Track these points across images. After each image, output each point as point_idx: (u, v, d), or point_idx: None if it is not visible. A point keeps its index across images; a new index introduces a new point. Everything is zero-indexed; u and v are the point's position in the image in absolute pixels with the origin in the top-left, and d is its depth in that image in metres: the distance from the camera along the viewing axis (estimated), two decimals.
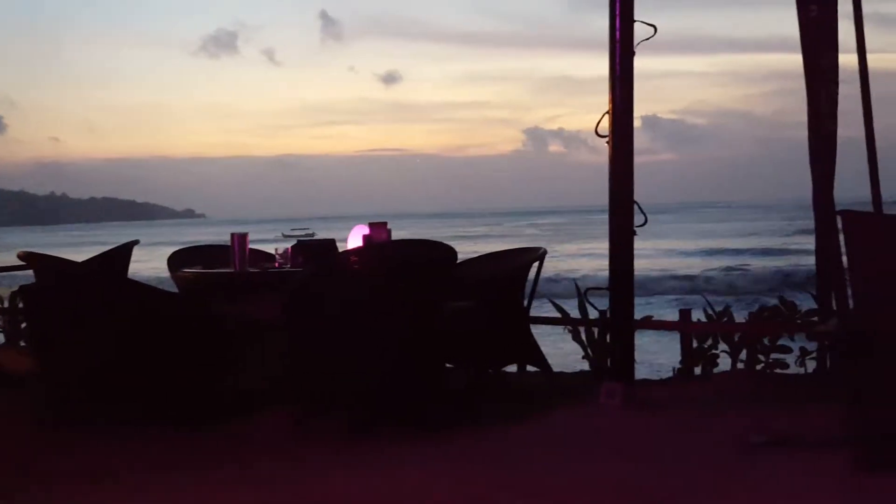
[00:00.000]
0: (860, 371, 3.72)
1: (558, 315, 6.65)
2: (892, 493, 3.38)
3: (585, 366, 6.25)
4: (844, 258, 4.08)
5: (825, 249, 5.27)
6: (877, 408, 3.66)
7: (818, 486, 3.53)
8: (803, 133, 5.43)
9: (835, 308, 5.21)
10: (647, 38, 5.32)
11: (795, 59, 5.44)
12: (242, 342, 4.79)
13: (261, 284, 5.06)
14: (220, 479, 3.85)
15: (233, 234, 5.29)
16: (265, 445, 4.36)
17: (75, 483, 3.80)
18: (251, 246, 5.46)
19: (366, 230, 5.23)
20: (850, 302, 3.79)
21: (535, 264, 5.85)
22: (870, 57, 5.37)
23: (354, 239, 5.24)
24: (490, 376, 5.86)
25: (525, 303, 5.86)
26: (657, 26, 5.28)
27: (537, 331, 6.15)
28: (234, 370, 4.76)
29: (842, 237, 4.02)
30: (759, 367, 5.74)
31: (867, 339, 3.67)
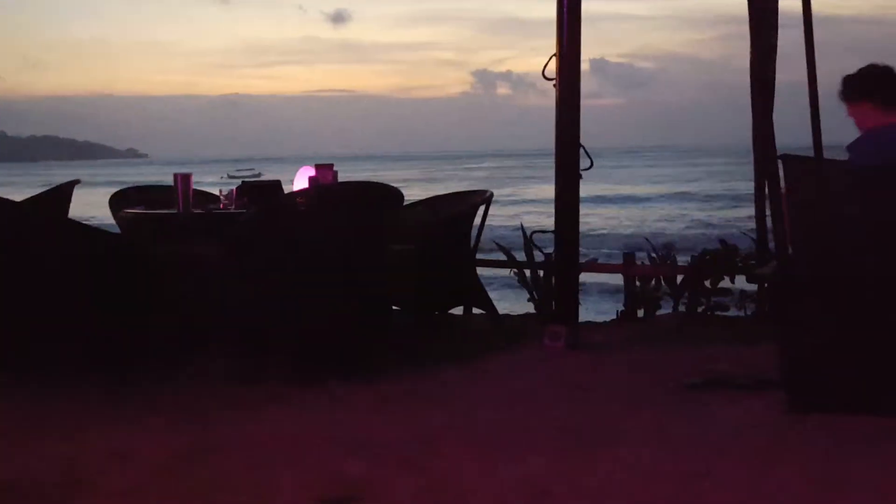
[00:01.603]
0: (794, 314, 3.80)
1: (504, 257, 6.70)
2: (823, 434, 3.48)
3: (531, 308, 6.33)
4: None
5: (765, 193, 5.35)
6: (809, 350, 3.76)
7: (751, 427, 3.62)
8: (747, 77, 5.47)
9: (774, 252, 5.31)
10: None
11: (742, 4, 5.46)
12: (184, 283, 4.75)
13: (205, 225, 5.01)
14: (155, 422, 3.84)
15: (176, 175, 5.21)
16: (203, 387, 4.35)
17: (5, 433, 3.76)
18: (195, 187, 5.39)
19: (312, 172, 5.19)
20: (789, 247, 3.86)
21: (481, 207, 5.86)
22: (814, 2, 5.41)
23: (300, 180, 5.19)
24: (435, 319, 5.90)
25: (471, 245, 5.89)
26: None
27: (484, 273, 6.20)
28: (174, 311, 4.72)
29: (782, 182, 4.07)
30: (700, 309, 5.85)
31: (802, 283, 3.75)
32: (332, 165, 5.27)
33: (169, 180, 5.31)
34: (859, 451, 3.28)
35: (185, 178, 5.22)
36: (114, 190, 6.02)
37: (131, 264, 4.69)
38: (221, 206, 5.25)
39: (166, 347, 4.72)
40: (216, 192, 5.52)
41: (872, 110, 3.87)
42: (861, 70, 3.93)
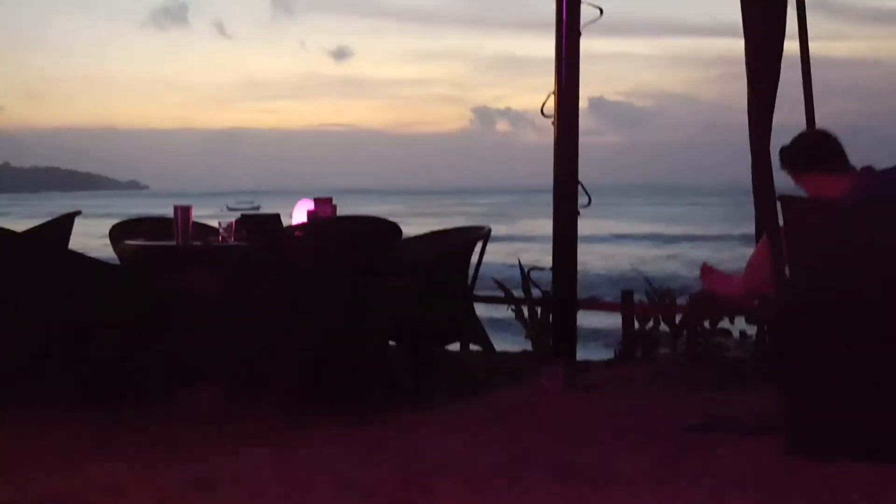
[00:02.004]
0: (795, 356, 3.78)
1: (501, 294, 6.68)
2: (824, 477, 3.45)
3: (528, 346, 6.31)
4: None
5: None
6: (810, 392, 3.74)
7: (751, 470, 3.59)
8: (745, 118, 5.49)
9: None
10: (594, 21, 5.34)
11: (739, 45, 5.50)
12: (181, 316, 4.73)
13: (203, 258, 5.00)
14: (149, 457, 3.81)
15: (176, 207, 5.21)
16: (197, 423, 4.33)
17: None
18: (195, 219, 5.39)
19: (311, 205, 5.19)
20: (789, 288, 3.85)
21: (479, 243, 5.86)
22: (813, 44, 5.45)
23: (299, 214, 5.20)
24: (432, 355, 5.88)
25: (468, 281, 5.88)
26: (603, 8, 5.30)
27: (480, 310, 6.19)
28: (171, 344, 4.70)
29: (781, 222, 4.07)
30: (699, 350, 5.82)
31: (803, 325, 3.74)
32: (330, 199, 5.27)
33: (169, 212, 5.31)
34: (861, 499, 3.24)
35: (185, 211, 5.22)
36: (114, 221, 6.02)
37: (130, 296, 4.68)
38: (220, 238, 5.25)
39: (162, 381, 4.70)
40: (216, 224, 5.52)
41: (822, 178, 3.88)
42: (796, 141, 3.95)
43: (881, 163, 4.14)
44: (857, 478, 3.42)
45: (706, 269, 4.46)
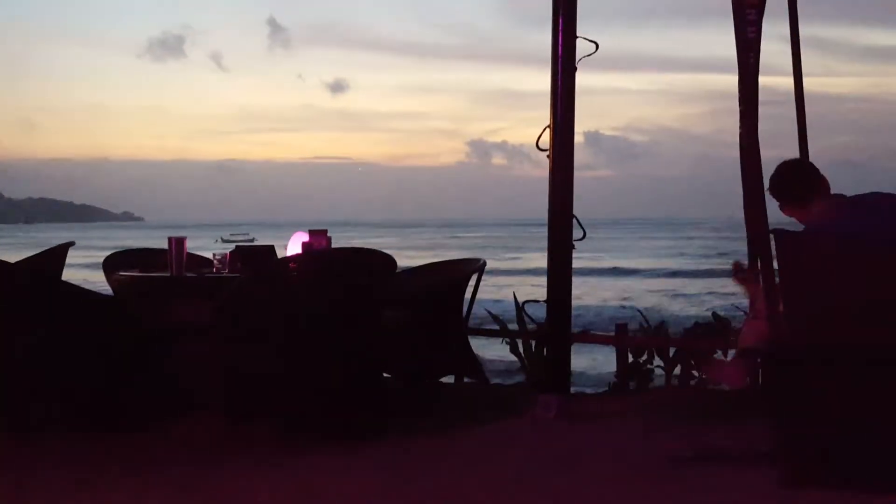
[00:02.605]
0: (787, 387, 3.79)
1: (496, 327, 6.68)
2: None
3: (522, 378, 6.30)
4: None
5: (758, 267, 5.36)
6: (802, 424, 3.74)
7: (742, 499, 3.58)
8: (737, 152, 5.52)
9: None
10: (589, 55, 5.38)
11: (731, 80, 5.55)
12: (175, 346, 4.73)
13: (198, 289, 5.00)
14: (138, 486, 3.78)
15: (170, 238, 5.23)
16: (190, 452, 4.30)
17: None
18: (189, 250, 5.40)
19: (305, 237, 5.21)
20: (782, 321, 3.86)
21: (474, 276, 5.87)
22: (806, 80, 5.50)
23: (294, 245, 5.21)
24: (427, 387, 5.86)
25: (463, 314, 5.88)
26: (599, 43, 5.34)
27: (475, 342, 6.18)
28: (165, 374, 4.69)
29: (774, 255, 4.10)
30: (692, 382, 5.83)
31: (794, 356, 3.75)
32: (325, 231, 5.29)
33: (163, 243, 5.32)
34: None
35: (179, 242, 5.23)
36: (108, 253, 6.03)
37: (123, 327, 4.68)
38: (214, 269, 5.26)
39: (154, 411, 4.68)
40: (210, 255, 5.53)
41: (805, 207, 4.01)
42: (774, 178, 4.09)
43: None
44: None
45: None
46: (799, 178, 4.11)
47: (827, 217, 3.97)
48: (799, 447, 3.74)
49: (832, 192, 4.15)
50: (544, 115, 5.46)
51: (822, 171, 4.30)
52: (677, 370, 5.96)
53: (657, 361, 6.08)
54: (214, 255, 5.36)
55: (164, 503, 3.56)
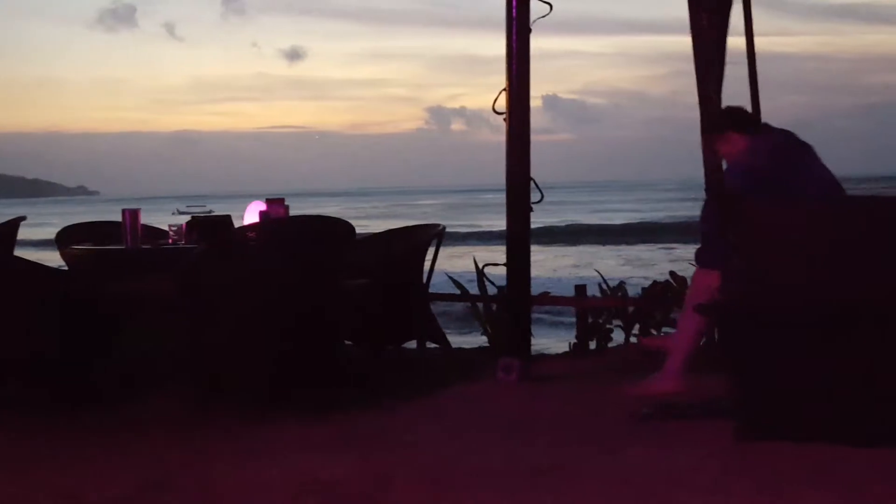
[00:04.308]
0: (742, 343, 3.85)
1: (457, 291, 6.71)
2: (774, 463, 3.50)
3: (485, 342, 6.34)
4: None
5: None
6: (760, 379, 3.80)
7: (702, 455, 3.63)
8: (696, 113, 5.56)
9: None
10: (543, 16, 5.37)
11: (688, 41, 5.56)
12: (133, 320, 4.68)
13: (153, 261, 4.95)
14: (105, 463, 3.76)
15: (124, 210, 5.16)
16: (154, 427, 4.28)
17: None
18: (145, 222, 5.34)
19: (262, 206, 5.16)
20: (738, 277, 3.91)
21: (434, 241, 5.87)
22: (760, 40, 5.54)
23: (251, 215, 5.17)
24: (389, 353, 5.88)
25: (423, 279, 5.89)
26: (553, 4, 5.34)
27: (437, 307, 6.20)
28: (123, 349, 4.65)
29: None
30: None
31: (750, 311, 3.81)
32: (283, 200, 5.25)
33: (119, 217, 5.26)
34: (811, 481, 3.29)
35: (133, 214, 5.17)
36: (61, 227, 5.94)
37: (79, 302, 4.62)
38: (170, 241, 5.20)
39: (116, 386, 4.65)
40: (166, 227, 5.47)
41: (739, 138, 4.37)
42: (723, 110, 4.59)
43: (826, 154, 4.43)
44: (805, 459, 3.48)
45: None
46: (744, 114, 4.54)
47: (752, 159, 4.26)
48: (755, 401, 3.81)
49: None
50: (503, 80, 5.45)
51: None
52: (636, 329, 6.03)
53: (616, 321, 6.15)
54: (170, 226, 5.30)
55: (122, 477, 3.54)
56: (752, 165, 4.24)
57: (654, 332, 5.88)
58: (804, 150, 4.33)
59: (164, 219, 5.24)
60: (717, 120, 4.44)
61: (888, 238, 3.70)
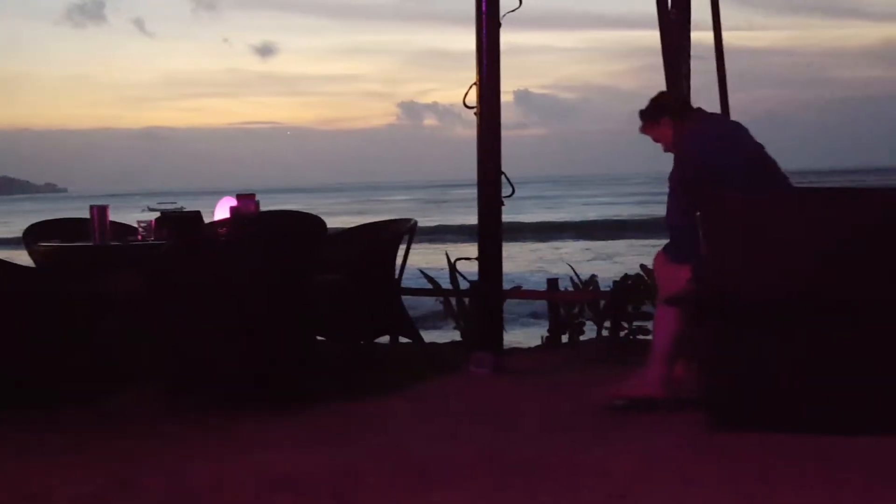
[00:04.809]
0: (714, 334, 3.87)
1: (430, 286, 6.70)
2: (745, 454, 3.53)
3: (457, 336, 6.34)
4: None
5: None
6: (730, 370, 3.83)
7: (673, 445, 3.67)
8: None
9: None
10: (513, 10, 5.38)
11: (657, 36, 5.60)
12: (103, 317, 4.64)
13: (123, 258, 4.91)
14: (72, 461, 3.73)
15: (92, 207, 5.11)
16: (124, 424, 4.25)
17: None
18: (115, 219, 5.29)
19: (233, 202, 5.13)
20: (708, 269, 3.94)
21: (406, 236, 5.86)
22: (729, 34, 5.59)
23: (221, 211, 5.13)
24: (362, 348, 5.86)
25: (395, 274, 5.88)
26: (523, 1, 5.34)
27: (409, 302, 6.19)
28: (92, 346, 4.61)
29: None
30: (622, 333, 5.92)
31: (720, 303, 3.83)
32: (253, 195, 5.21)
33: (87, 214, 5.20)
34: (782, 471, 3.33)
35: (102, 210, 5.12)
36: (28, 224, 5.87)
37: (47, 299, 4.58)
38: (140, 237, 5.16)
39: (86, 383, 4.61)
40: (136, 224, 5.42)
41: (670, 124, 4.35)
42: (654, 98, 4.48)
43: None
44: (780, 451, 3.52)
45: None
46: (675, 99, 4.54)
47: (686, 144, 4.26)
48: (725, 392, 3.84)
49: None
50: (474, 75, 5.45)
51: (736, 121, 4.51)
52: (608, 323, 6.06)
53: (588, 314, 6.17)
54: (139, 222, 5.26)
55: (104, 477, 3.51)
56: (689, 152, 4.23)
57: (625, 324, 5.90)
58: (737, 131, 4.32)
59: (134, 216, 5.19)
60: (647, 107, 4.41)
61: (860, 230, 3.74)
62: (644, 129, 4.43)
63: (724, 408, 3.84)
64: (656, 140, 4.42)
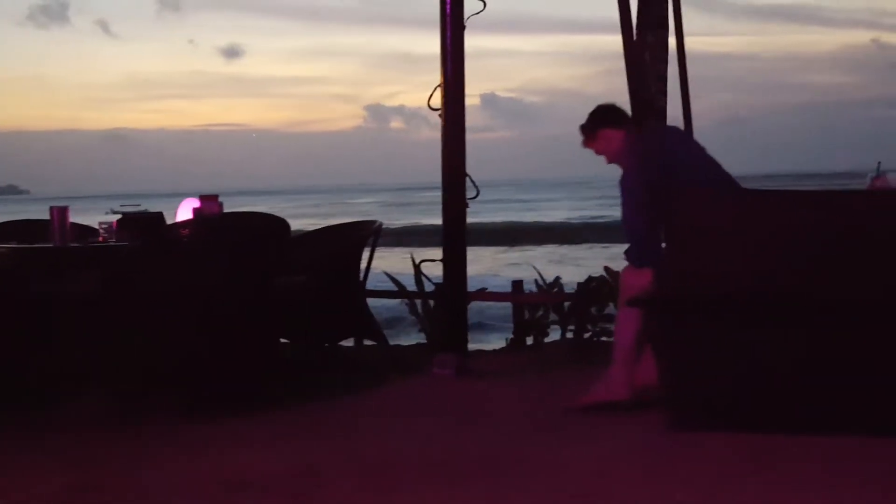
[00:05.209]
0: (675, 334, 3.90)
1: (394, 288, 6.69)
2: (706, 453, 3.56)
3: (422, 338, 6.34)
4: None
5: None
6: (690, 370, 3.86)
7: (635, 446, 3.70)
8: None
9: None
10: (477, 13, 5.40)
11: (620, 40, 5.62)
12: (62, 319, 4.59)
13: (83, 259, 4.85)
14: (31, 464, 3.69)
15: (52, 208, 5.04)
16: (85, 427, 4.21)
17: None
18: (78, 222, 5.23)
19: (196, 203, 5.09)
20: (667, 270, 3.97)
21: (371, 238, 5.85)
22: (690, 39, 5.63)
23: (184, 212, 5.10)
24: (326, 351, 5.84)
25: (360, 276, 5.86)
26: (486, 2, 5.37)
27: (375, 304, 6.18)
28: (53, 349, 4.56)
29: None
30: (587, 335, 5.95)
31: (681, 304, 3.86)
32: (216, 197, 5.18)
33: (48, 215, 5.13)
34: (743, 470, 3.36)
35: (62, 211, 5.05)
36: None
37: (4, 301, 4.52)
38: (101, 239, 5.10)
39: (47, 386, 4.55)
40: (96, 225, 5.35)
41: (614, 135, 4.32)
42: (591, 112, 4.42)
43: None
44: (740, 450, 3.55)
45: None
46: (617, 111, 4.43)
47: (631, 155, 4.25)
48: (686, 392, 3.87)
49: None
50: (440, 77, 5.45)
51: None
52: (572, 324, 6.07)
53: (553, 316, 6.19)
54: (100, 223, 5.19)
55: (64, 480, 3.47)
56: (634, 163, 4.23)
57: (589, 326, 5.92)
58: (682, 140, 4.41)
59: (97, 218, 5.12)
60: (585, 121, 4.38)
61: (823, 231, 3.78)
62: (585, 144, 4.41)
63: (687, 408, 3.87)
64: (598, 153, 4.39)
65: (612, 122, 4.34)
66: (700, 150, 4.32)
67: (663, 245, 4.09)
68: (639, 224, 4.19)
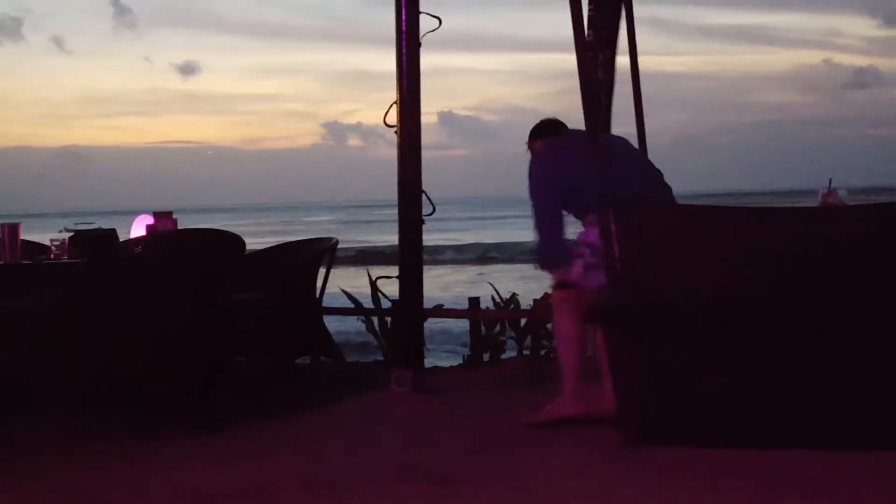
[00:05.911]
0: (628, 349, 3.93)
1: (351, 305, 6.68)
2: (659, 468, 3.59)
3: (380, 355, 6.33)
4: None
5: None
6: (644, 385, 3.89)
7: (589, 462, 3.71)
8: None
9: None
10: (433, 30, 5.43)
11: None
12: (14, 337, 4.52)
13: (34, 276, 4.79)
14: None
15: (2, 225, 4.98)
16: (37, 445, 4.14)
17: None
18: (29, 238, 5.17)
19: (150, 220, 5.06)
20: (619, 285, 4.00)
21: (327, 254, 5.84)
22: (645, 59, 5.71)
23: (137, 229, 5.06)
24: (282, 368, 5.81)
25: (316, 293, 5.85)
26: (445, 22, 5.40)
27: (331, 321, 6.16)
28: (5, 367, 4.48)
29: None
30: (543, 351, 5.98)
31: (633, 318, 3.89)
32: (171, 213, 5.15)
33: None
34: (696, 486, 3.38)
35: (13, 228, 5.00)
36: None
37: None
38: (52, 256, 5.04)
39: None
40: (47, 242, 5.29)
41: (541, 144, 4.57)
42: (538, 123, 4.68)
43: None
44: (694, 461, 3.59)
45: None
46: (551, 124, 4.66)
47: (545, 155, 4.46)
48: (639, 407, 3.90)
49: None
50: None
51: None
52: (528, 341, 6.11)
53: (509, 333, 6.22)
54: (52, 241, 5.13)
55: (9, 497, 3.41)
56: (535, 170, 4.40)
57: (545, 341, 5.95)
58: (607, 149, 4.36)
59: (50, 236, 5.06)
60: (533, 131, 4.62)
61: (776, 244, 3.83)
62: (528, 146, 4.62)
63: (640, 422, 3.89)
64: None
65: (540, 134, 4.57)
66: (636, 163, 4.49)
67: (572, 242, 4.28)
68: (541, 230, 4.34)
